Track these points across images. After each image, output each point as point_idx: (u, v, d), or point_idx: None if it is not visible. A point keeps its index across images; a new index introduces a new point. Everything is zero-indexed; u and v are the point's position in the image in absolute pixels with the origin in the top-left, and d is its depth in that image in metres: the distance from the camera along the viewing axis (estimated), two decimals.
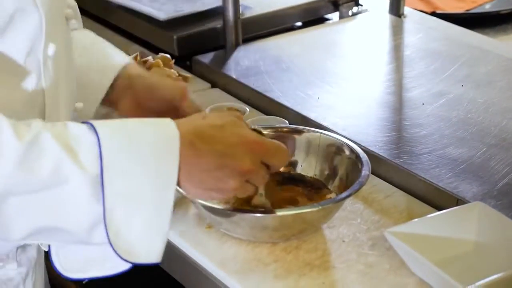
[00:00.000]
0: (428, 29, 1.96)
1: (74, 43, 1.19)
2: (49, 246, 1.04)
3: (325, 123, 1.52)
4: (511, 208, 1.27)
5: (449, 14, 2.11)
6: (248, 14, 1.95)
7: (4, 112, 0.96)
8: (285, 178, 1.34)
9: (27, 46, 1.03)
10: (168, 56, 1.80)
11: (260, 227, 1.21)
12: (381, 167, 1.41)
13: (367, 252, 1.23)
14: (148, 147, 0.99)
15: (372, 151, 1.42)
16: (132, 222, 0.98)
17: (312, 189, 1.32)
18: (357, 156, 1.29)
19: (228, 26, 1.85)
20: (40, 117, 1.06)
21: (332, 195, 1.30)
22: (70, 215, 0.96)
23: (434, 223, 1.22)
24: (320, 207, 1.21)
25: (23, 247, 1.13)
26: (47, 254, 1.06)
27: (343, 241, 1.26)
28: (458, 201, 1.30)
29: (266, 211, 1.19)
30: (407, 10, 2.04)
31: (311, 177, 1.34)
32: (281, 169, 1.34)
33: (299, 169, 1.35)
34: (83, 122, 0.98)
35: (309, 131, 1.37)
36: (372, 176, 1.32)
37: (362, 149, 1.32)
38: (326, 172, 1.34)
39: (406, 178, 1.39)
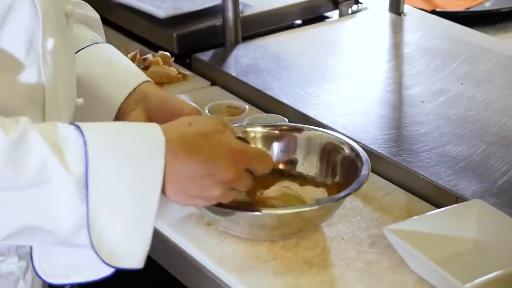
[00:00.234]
0: (428, 27, 1.96)
1: (95, 55, 1.19)
2: (31, 252, 1.04)
3: (324, 121, 1.52)
4: (511, 206, 1.27)
5: (449, 12, 2.10)
6: (247, 12, 1.95)
7: (5, 107, 0.96)
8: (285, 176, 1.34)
9: (26, 39, 1.03)
10: (168, 54, 1.80)
11: (258, 225, 1.21)
12: (380, 165, 1.41)
13: (366, 249, 1.23)
14: (134, 151, 0.99)
15: (371, 149, 1.42)
16: (114, 223, 0.98)
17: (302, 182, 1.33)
18: (357, 154, 1.29)
19: (228, 24, 1.85)
20: (41, 112, 1.06)
21: (320, 190, 1.30)
22: (53, 215, 0.96)
23: (433, 220, 1.21)
24: (319, 205, 1.21)
25: None
26: None
27: (343, 238, 1.25)
28: (458, 199, 1.30)
29: (252, 208, 1.20)
30: (407, 8, 2.04)
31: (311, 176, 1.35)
32: (282, 168, 1.34)
33: (300, 168, 1.35)
34: (70, 124, 0.99)
35: (309, 129, 1.37)
36: (371, 173, 1.32)
37: (361, 147, 1.31)
38: (326, 170, 1.33)
39: (405, 176, 1.39)
